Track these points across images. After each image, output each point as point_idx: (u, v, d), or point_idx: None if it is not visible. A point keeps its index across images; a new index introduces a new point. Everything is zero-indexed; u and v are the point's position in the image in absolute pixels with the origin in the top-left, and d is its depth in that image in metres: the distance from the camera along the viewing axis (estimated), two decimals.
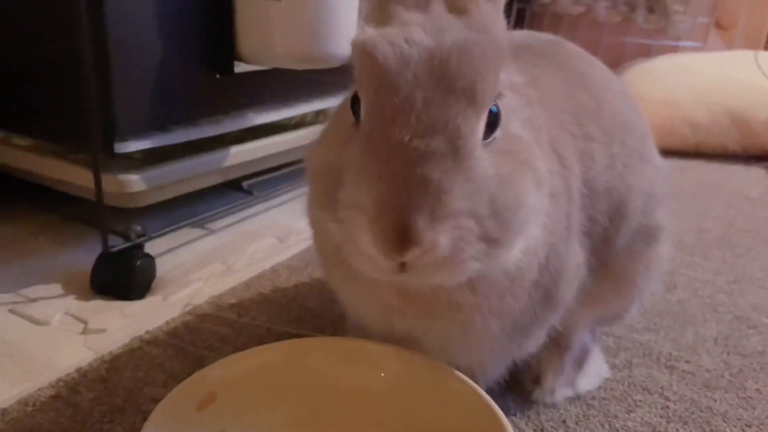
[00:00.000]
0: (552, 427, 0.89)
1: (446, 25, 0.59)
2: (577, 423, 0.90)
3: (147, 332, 1.08)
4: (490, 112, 0.59)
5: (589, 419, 0.91)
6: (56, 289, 1.22)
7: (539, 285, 0.72)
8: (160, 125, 1.30)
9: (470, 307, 0.68)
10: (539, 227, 0.67)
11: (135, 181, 1.26)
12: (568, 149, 0.75)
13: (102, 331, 1.09)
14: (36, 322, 1.11)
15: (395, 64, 0.56)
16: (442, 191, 0.53)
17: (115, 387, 0.94)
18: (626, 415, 0.92)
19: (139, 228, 1.25)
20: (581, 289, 0.82)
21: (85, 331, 1.09)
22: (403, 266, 0.54)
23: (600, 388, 0.99)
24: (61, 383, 0.94)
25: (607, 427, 0.90)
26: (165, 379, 0.96)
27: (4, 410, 0.88)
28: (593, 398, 0.96)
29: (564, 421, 0.91)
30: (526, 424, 0.90)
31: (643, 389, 0.99)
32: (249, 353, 0.77)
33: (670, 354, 1.09)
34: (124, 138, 1.21)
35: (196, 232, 1.50)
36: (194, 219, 1.41)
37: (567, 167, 0.73)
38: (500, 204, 0.57)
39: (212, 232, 1.52)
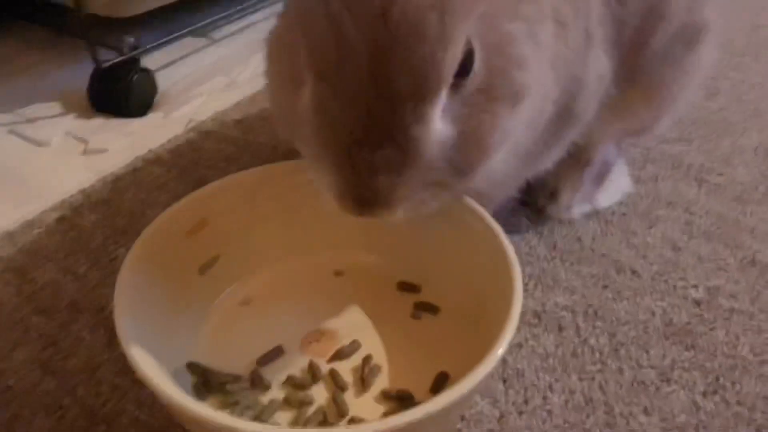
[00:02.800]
0: (566, 244, 0.86)
1: None
2: (593, 239, 0.87)
3: (149, 151, 1.05)
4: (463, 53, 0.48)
5: (606, 236, 0.87)
6: (55, 108, 1.17)
7: (556, 103, 0.63)
8: None
9: None
10: (549, 69, 0.59)
11: None
12: None
13: (103, 151, 1.06)
14: (36, 143, 1.08)
15: (332, 54, 0.46)
16: (393, 188, 0.49)
17: (117, 209, 0.92)
18: (646, 231, 0.88)
19: (132, 40, 1.16)
20: (605, 102, 0.73)
21: (85, 152, 1.06)
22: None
23: (621, 203, 0.93)
24: (65, 205, 0.93)
25: (624, 243, 0.86)
26: (168, 201, 0.92)
27: (11, 233, 0.88)
28: (612, 214, 0.91)
29: (579, 238, 0.87)
30: (539, 242, 0.86)
31: (668, 204, 0.93)
32: (240, 176, 0.73)
33: (702, 166, 1.01)
34: None
35: (198, 42, 1.40)
36: (193, 27, 1.29)
37: None
38: (460, 161, 0.52)
39: (215, 41, 1.42)
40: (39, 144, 1.08)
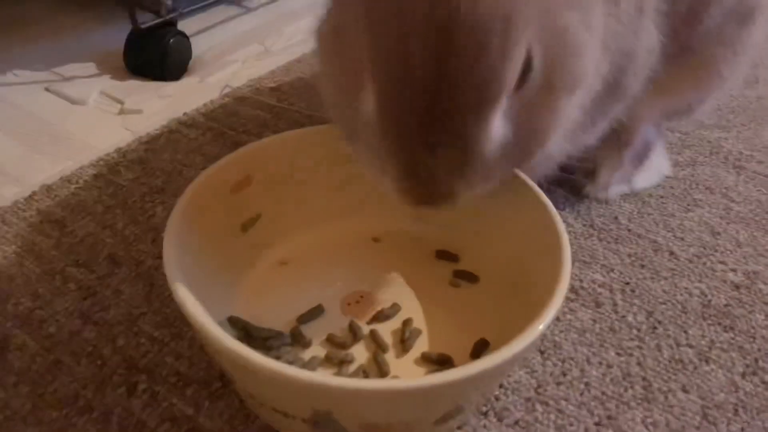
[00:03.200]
0: (603, 222, 0.85)
1: None
2: (630, 220, 0.86)
3: (185, 114, 1.05)
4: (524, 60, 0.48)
5: (643, 216, 0.87)
6: (91, 68, 1.17)
7: (605, 78, 0.63)
8: None
9: None
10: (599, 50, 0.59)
11: None
12: None
13: (139, 111, 1.06)
14: (72, 101, 1.08)
15: (398, 62, 0.46)
16: (454, 186, 0.51)
17: (153, 169, 0.92)
18: (683, 214, 0.87)
19: (170, 3, 1.15)
20: (651, 78, 0.72)
21: (121, 112, 1.06)
22: None
23: (659, 186, 0.92)
24: (101, 162, 0.93)
25: (661, 225, 0.85)
26: (203, 163, 0.93)
27: (49, 186, 0.89)
28: (650, 195, 0.90)
29: (616, 218, 0.86)
30: (575, 219, 0.86)
31: (706, 188, 0.92)
32: (286, 136, 0.72)
33: (741, 153, 1.00)
34: None
35: (233, 9, 1.39)
36: None
37: None
38: (519, 153, 0.54)
39: (249, 10, 1.41)
40: (75, 102, 1.08)
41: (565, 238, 0.58)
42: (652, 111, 0.85)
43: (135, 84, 1.14)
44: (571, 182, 0.91)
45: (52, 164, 0.94)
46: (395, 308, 0.66)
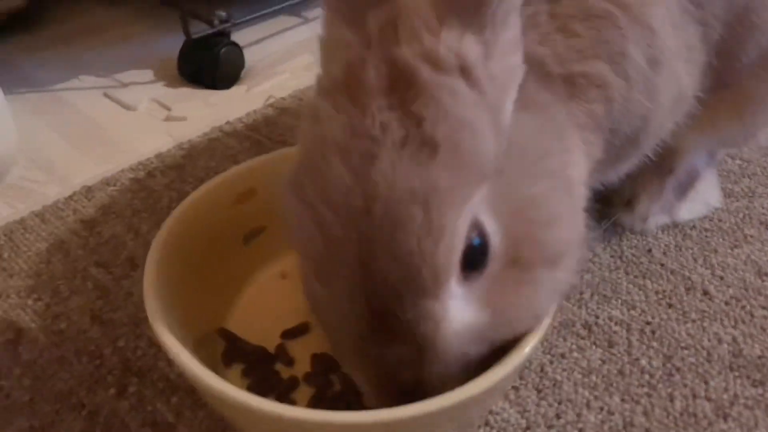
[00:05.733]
0: (633, 255, 0.79)
1: (380, 139, 0.42)
2: (664, 253, 0.80)
3: (227, 123, 1.08)
4: (468, 247, 0.43)
5: (680, 251, 0.80)
6: (148, 75, 1.23)
7: (618, 133, 0.58)
8: None
9: None
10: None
11: None
12: None
13: (183, 118, 1.10)
14: (125, 106, 1.14)
15: (323, 255, 0.44)
16: (420, 382, 0.46)
17: (188, 175, 0.95)
18: (728, 251, 0.80)
19: (224, 14, 1.19)
20: (688, 115, 0.66)
21: (167, 118, 1.10)
22: None
23: (705, 218, 0.85)
24: (140, 167, 0.97)
25: (700, 261, 0.78)
26: None
27: (89, 188, 0.93)
28: (692, 228, 0.83)
29: (650, 250, 0.80)
30: (604, 249, 0.80)
31: (761, 223, 0.84)
32: (294, 150, 0.72)
33: None
34: None
35: (291, 20, 1.42)
36: (284, 4, 1.31)
37: None
38: (501, 335, 0.48)
39: (308, 21, 1.43)
40: (127, 108, 1.13)
41: None
42: (696, 143, 0.78)
43: (185, 92, 1.18)
44: (607, 210, 0.85)
45: (97, 166, 0.99)
46: None
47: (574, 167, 0.53)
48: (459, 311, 0.44)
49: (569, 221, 0.50)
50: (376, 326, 0.43)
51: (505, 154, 0.45)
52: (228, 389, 0.46)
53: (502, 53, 0.45)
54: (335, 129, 0.43)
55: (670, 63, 0.58)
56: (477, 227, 0.43)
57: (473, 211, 0.43)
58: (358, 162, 0.42)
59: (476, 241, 0.43)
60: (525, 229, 0.46)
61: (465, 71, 0.43)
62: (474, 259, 0.44)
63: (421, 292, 0.42)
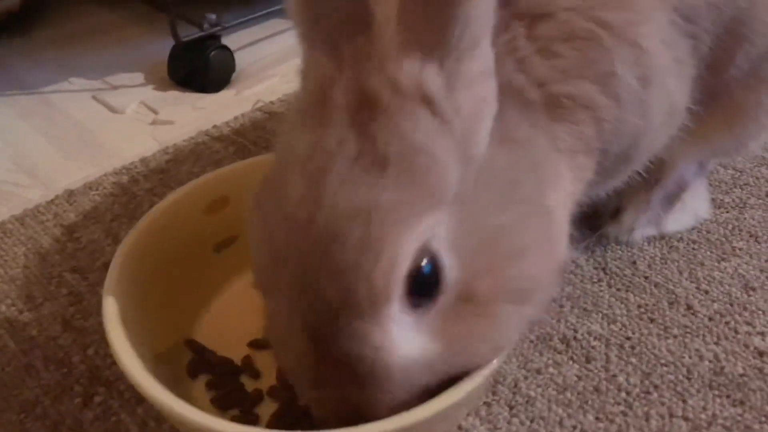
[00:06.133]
0: (617, 267, 0.78)
1: (336, 153, 0.42)
2: (649, 266, 0.78)
3: (214, 127, 1.07)
4: (415, 272, 0.42)
5: (666, 263, 0.78)
6: (138, 78, 1.23)
7: (608, 154, 0.57)
8: None
9: None
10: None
11: None
12: None
13: (170, 122, 1.09)
14: (112, 109, 1.14)
15: (268, 266, 0.44)
16: (369, 406, 0.44)
17: (171, 179, 0.94)
18: (715, 264, 0.78)
19: (213, 17, 1.18)
20: (680, 128, 0.64)
21: (154, 122, 1.10)
22: None
23: (693, 229, 0.83)
24: (123, 171, 0.97)
25: (686, 274, 0.76)
26: None
27: (71, 192, 0.93)
28: (680, 240, 0.81)
29: (634, 262, 0.78)
30: (587, 260, 0.79)
31: (750, 236, 0.82)
32: (267, 159, 0.71)
33: None
34: None
35: (283, 24, 1.40)
36: (274, 8, 1.30)
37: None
38: (459, 367, 0.46)
39: None
40: (115, 111, 1.13)
41: None
42: (686, 155, 0.77)
43: (174, 95, 1.17)
44: (592, 221, 0.83)
45: (80, 170, 0.98)
46: None
47: (554, 194, 0.52)
48: (405, 340, 0.42)
49: (540, 253, 0.48)
50: (315, 347, 0.42)
51: (475, 184, 0.44)
52: (182, 408, 0.46)
53: (468, 84, 0.44)
54: (300, 144, 0.44)
55: (661, 79, 0.57)
56: (428, 253, 0.42)
57: (424, 236, 0.41)
58: (312, 175, 0.42)
59: (427, 267, 0.42)
60: (488, 261, 0.45)
61: (426, 100, 0.42)
62: (423, 286, 0.42)
63: (357, 312, 0.40)
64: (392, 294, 0.41)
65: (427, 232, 0.41)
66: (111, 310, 0.53)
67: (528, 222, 0.48)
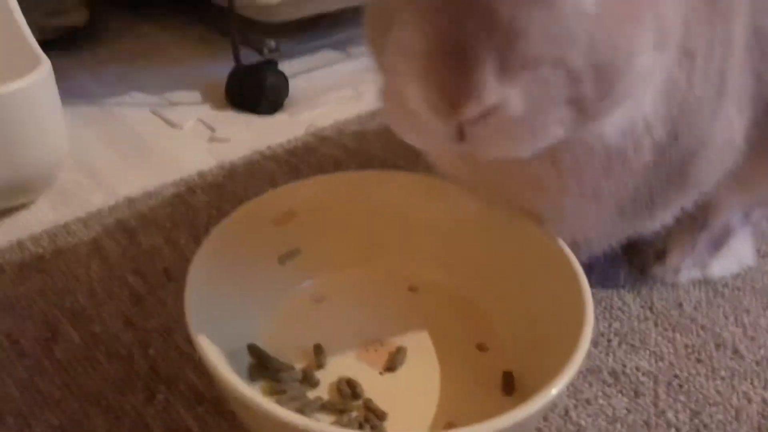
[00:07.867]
0: (664, 307, 0.79)
1: None
2: (695, 308, 0.79)
3: (268, 147, 1.11)
4: None
5: (711, 307, 0.79)
6: (196, 96, 1.28)
7: (661, 166, 0.58)
8: None
9: (555, 189, 0.58)
10: (653, 99, 0.53)
11: None
12: None
13: (226, 140, 1.13)
14: (171, 124, 1.18)
15: None
16: (514, 31, 0.39)
17: (226, 193, 0.98)
18: (761, 312, 0.79)
19: (273, 44, 1.24)
20: (731, 170, 0.66)
21: (211, 139, 1.14)
22: (462, 133, 0.44)
23: (737, 276, 0.84)
24: (182, 183, 1.00)
25: (732, 319, 0.77)
26: None
27: (131, 199, 0.96)
28: (724, 285, 0.83)
29: (680, 304, 0.80)
30: (634, 299, 0.80)
31: None
32: (335, 177, 0.75)
33: None
34: None
35: (335, 55, 1.46)
36: (331, 39, 1.36)
37: (724, 10, 0.55)
38: (601, 56, 0.42)
39: (351, 56, 1.47)
40: (174, 126, 1.17)
41: (590, 313, 0.55)
42: (733, 199, 0.78)
43: (230, 115, 1.22)
44: (639, 260, 0.85)
45: (140, 179, 1.02)
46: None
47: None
48: None
49: None
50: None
51: None
52: (272, 407, 0.47)
53: None
54: None
55: (729, 99, 0.58)
56: None
57: None
58: None
59: None
60: None
61: None
62: None
63: None
64: None
65: None
66: (193, 314, 0.55)
67: None
